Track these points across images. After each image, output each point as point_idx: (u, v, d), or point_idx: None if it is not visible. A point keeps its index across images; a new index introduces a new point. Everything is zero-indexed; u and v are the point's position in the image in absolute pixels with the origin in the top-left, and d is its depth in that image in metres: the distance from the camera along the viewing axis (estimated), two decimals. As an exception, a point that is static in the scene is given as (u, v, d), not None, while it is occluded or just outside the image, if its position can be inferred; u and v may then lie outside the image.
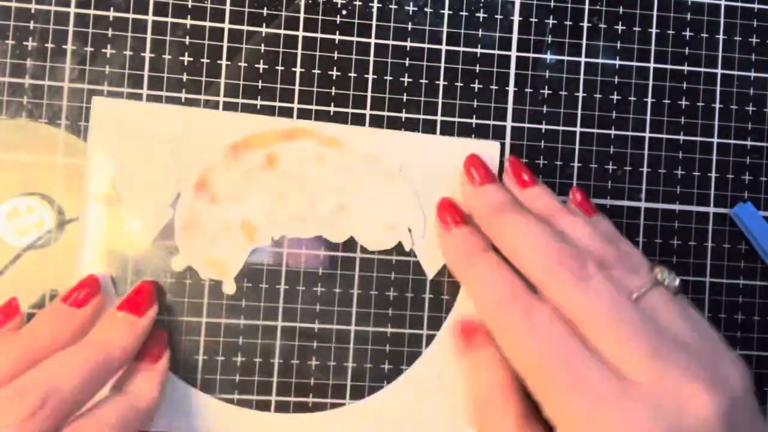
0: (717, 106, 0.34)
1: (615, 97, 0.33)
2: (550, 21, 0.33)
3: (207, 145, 0.31)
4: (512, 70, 0.33)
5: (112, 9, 0.31)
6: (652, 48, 0.34)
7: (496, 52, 0.33)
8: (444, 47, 0.33)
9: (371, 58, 0.32)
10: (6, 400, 0.24)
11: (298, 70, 0.32)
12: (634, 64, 0.34)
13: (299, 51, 0.32)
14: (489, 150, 0.32)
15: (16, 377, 0.25)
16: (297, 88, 0.32)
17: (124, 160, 0.31)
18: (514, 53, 0.33)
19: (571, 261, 0.26)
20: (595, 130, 0.33)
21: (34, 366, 0.25)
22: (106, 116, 0.31)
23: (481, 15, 0.33)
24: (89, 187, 0.30)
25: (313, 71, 0.32)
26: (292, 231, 0.31)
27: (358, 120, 0.32)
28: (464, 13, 0.33)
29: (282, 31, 0.32)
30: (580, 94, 0.33)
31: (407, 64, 0.33)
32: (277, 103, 0.32)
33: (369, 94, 0.32)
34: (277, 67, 0.32)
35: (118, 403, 0.27)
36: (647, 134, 0.33)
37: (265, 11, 0.32)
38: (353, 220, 0.31)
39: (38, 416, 0.24)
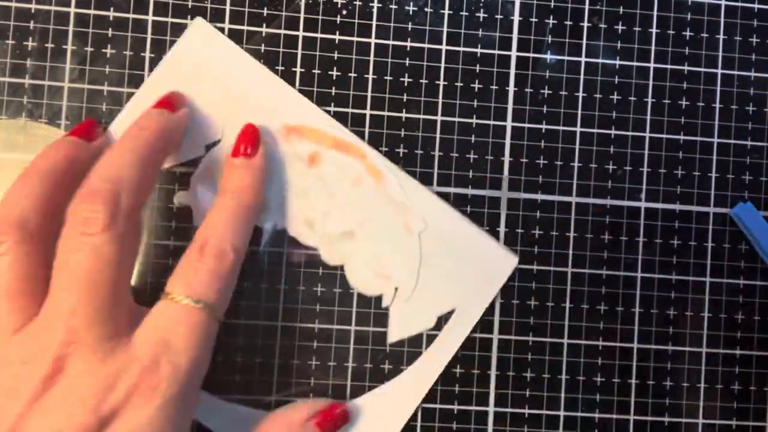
0: (717, 106, 0.34)
1: (615, 97, 0.33)
2: (550, 21, 0.33)
3: (267, 112, 0.31)
4: (512, 70, 0.33)
5: (112, 9, 0.31)
6: (653, 48, 0.34)
7: (496, 52, 0.33)
8: (444, 47, 0.33)
9: (371, 58, 0.32)
10: (82, 205, 0.24)
11: (298, 70, 0.32)
12: (635, 63, 0.34)
13: (299, 51, 0.32)
14: (503, 263, 0.32)
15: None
16: (297, 88, 0.32)
17: (189, 84, 0.31)
18: (514, 53, 0.33)
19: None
20: (595, 130, 0.33)
21: None
22: (198, 39, 0.31)
23: (481, 15, 0.33)
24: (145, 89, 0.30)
25: (313, 71, 0.32)
26: (295, 230, 0.31)
27: (359, 120, 0.32)
28: (464, 13, 0.33)
29: (282, 31, 0.32)
30: (580, 94, 0.33)
31: (407, 64, 0.33)
32: (277, 103, 0.32)
33: (369, 94, 0.32)
34: (277, 67, 0.32)
35: (227, 201, 0.27)
36: (647, 134, 0.33)
37: (265, 11, 0.32)
38: (353, 250, 0.31)
39: (119, 217, 0.24)
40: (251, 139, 0.29)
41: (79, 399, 0.23)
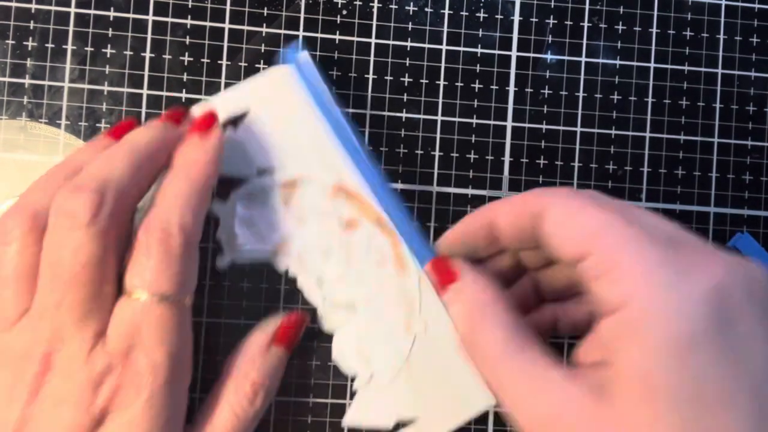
0: (717, 106, 0.34)
1: (615, 97, 0.33)
2: (551, 21, 0.33)
3: (327, 165, 0.31)
4: (512, 70, 0.33)
5: (112, 9, 0.31)
6: (653, 48, 0.34)
7: (497, 52, 0.33)
8: (444, 47, 0.33)
9: (371, 58, 0.32)
10: (66, 200, 0.24)
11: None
12: (635, 63, 0.34)
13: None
14: (480, 399, 0.31)
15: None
16: (297, 88, 0.32)
17: (264, 108, 0.31)
18: (514, 53, 0.33)
19: None
20: (596, 130, 0.33)
21: None
22: (285, 82, 0.31)
23: (481, 15, 0.33)
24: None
25: (314, 71, 0.32)
26: (305, 283, 0.31)
27: (359, 120, 0.32)
28: (464, 13, 0.33)
29: (282, 31, 0.32)
30: (581, 94, 0.33)
31: (407, 64, 0.33)
32: (278, 103, 0.32)
33: (369, 94, 0.32)
34: (277, 67, 0.32)
35: (175, 179, 0.26)
36: (648, 134, 0.33)
37: (265, 11, 0.32)
38: (348, 322, 0.31)
39: (102, 214, 0.24)
40: (209, 117, 0.28)
41: (70, 400, 0.23)
